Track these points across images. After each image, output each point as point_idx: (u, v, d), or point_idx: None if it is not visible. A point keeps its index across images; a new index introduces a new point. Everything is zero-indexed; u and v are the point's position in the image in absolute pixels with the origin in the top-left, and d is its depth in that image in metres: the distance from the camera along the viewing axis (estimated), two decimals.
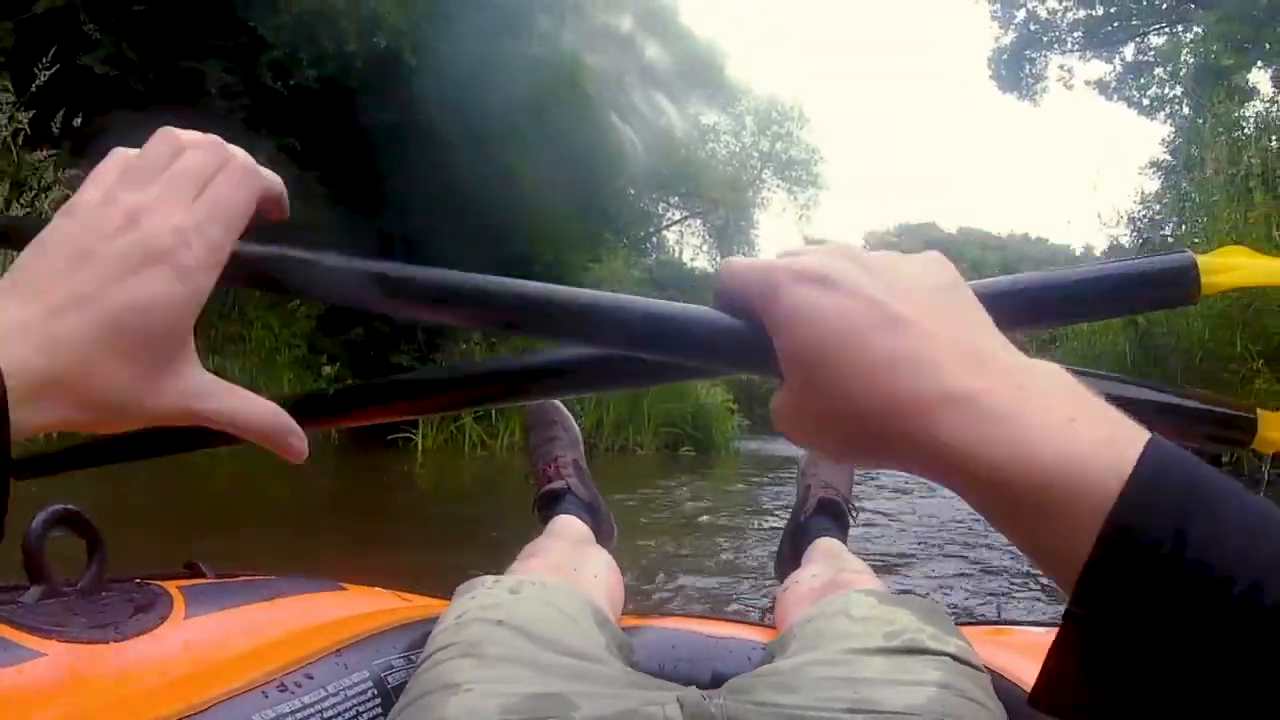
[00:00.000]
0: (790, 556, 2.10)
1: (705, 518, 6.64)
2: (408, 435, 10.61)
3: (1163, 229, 13.24)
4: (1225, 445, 0.65)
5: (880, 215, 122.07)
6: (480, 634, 1.09)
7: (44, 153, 7.45)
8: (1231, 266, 0.66)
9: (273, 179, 0.59)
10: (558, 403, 2.38)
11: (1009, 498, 0.42)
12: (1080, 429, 0.42)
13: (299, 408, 0.59)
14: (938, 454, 0.45)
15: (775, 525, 5.83)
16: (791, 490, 3.02)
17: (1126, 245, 13.94)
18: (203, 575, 1.36)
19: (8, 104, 7.26)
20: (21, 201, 7.11)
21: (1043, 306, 0.63)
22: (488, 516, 5.94)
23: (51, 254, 0.53)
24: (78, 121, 7.63)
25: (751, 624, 1.68)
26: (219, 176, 0.56)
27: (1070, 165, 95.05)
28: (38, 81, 7.42)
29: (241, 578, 1.39)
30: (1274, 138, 11.75)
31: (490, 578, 1.29)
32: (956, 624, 1.18)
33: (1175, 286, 0.66)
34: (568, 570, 1.55)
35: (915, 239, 49.82)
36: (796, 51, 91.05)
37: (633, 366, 0.64)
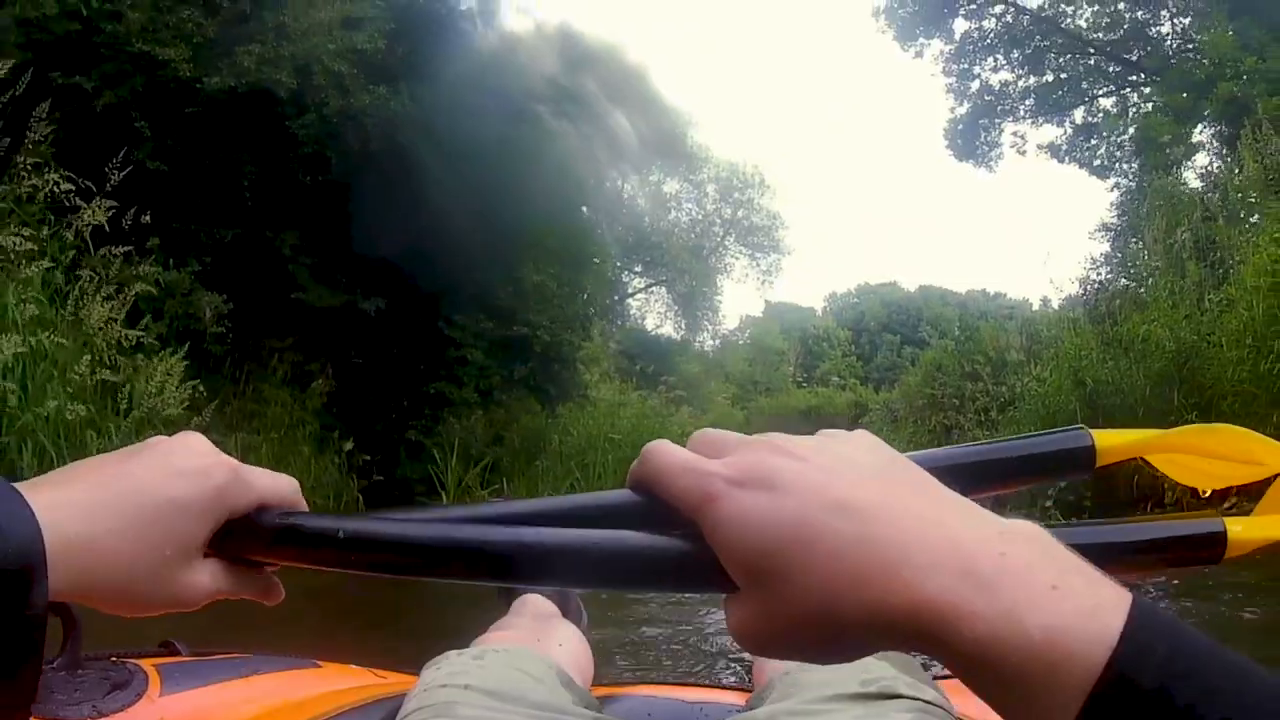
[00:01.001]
0: None
1: None
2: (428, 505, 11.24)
3: (1108, 290, 14.48)
4: (1203, 563, 0.67)
5: (840, 276, 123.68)
6: (449, 696, 1.12)
7: (119, 249, 8.32)
8: (1120, 437, 0.75)
9: (298, 503, 0.68)
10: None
11: (992, 670, 0.42)
12: (1064, 597, 0.42)
13: (295, 537, 0.64)
14: (917, 629, 0.44)
15: None
16: None
17: (1079, 294, 15.32)
18: (178, 653, 1.42)
19: (98, 203, 8.13)
20: (102, 294, 8.08)
21: (967, 475, 0.64)
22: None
23: (107, 455, 0.65)
24: (146, 218, 8.53)
25: (730, 688, 1.67)
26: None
27: (1027, 222, 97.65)
28: (112, 180, 8.27)
29: (217, 656, 1.45)
30: (1214, 198, 12.97)
31: (455, 651, 1.31)
32: (933, 678, 1.21)
33: (1075, 461, 0.74)
34: (531, 640, 1.56)
35: (876, 298, 51.06)
36: (755, 117, 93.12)
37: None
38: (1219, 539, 0.65)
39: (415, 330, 12.20)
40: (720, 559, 0.50)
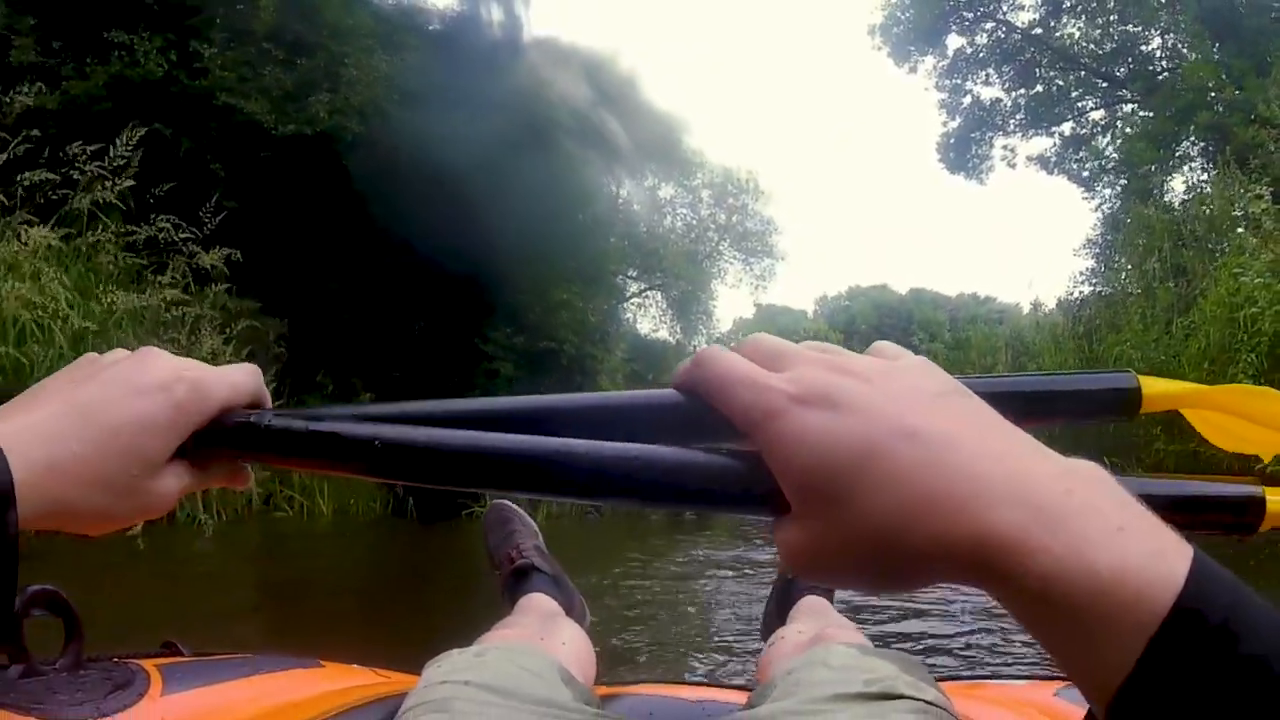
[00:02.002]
0: (776, 614, 2.12)
1: (703, 580, 6.99)
2: (474, 510, 12.21)
3: (1089, 307, 15.86)
4: (1238, 531, 0.65)
5: (832, 279, 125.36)
6: (448, 692, 1.16)
7: (218, 286, 9.54)
8: (1164, 386, 0.76)
9: (261, 392, 0.69)
10: (511, 504, 2.42)
11: (1056, 606, 0.42)
12: (1130, 539, 0.42)
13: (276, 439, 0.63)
14: (981, 560, 0.44)
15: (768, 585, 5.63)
16: None
17: (1064, 305, 16.61)
18: (180, 654, 1.49)
19: (216, 251, 9.37)
20: (212, 326, 9.38)
21: (1014, 404, 0.59)
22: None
23: (62, 376, 0.65)
24: (237, 255, 9.74)
25: (733, 687, 1.73)
26: (226, 365, 0.68)
27: (1017, 229, 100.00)
28: (209, 225, 9.53)
29: (219, 656, 1.51)
30: (1187, 225, 14.11)
31: (457, 650, 1.34)
32: (936, 679, 1.23)
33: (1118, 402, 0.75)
34: (534, 638, 1.60)
35: (867, 301, 52.33)
36: (751, 125, 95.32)
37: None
38: (1258, 508, 0.64)
39: (452, 346, 13.52)
40: (777, 478, 0.50)
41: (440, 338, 13.30)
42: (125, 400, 0.61)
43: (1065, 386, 0.75)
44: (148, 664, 1.34)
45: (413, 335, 12.88)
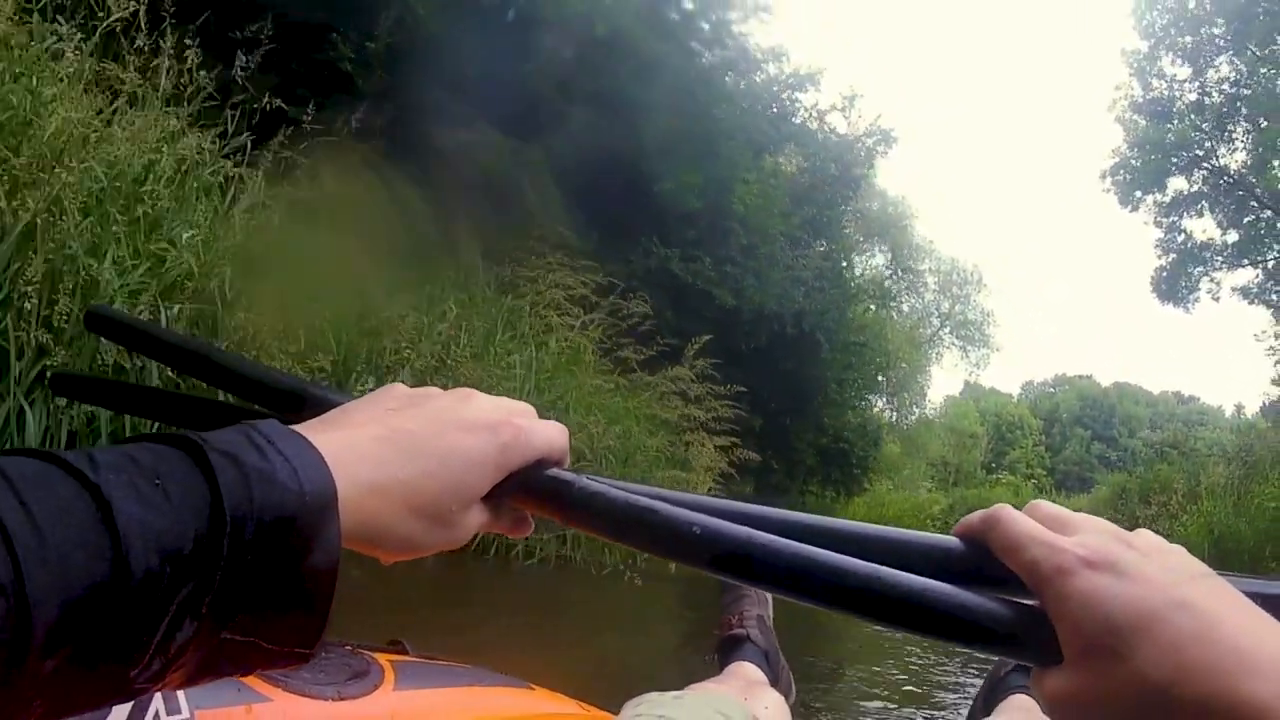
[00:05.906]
0: (982, 710, 2.20)
1: (899, 668, 6.95)
2: None
3: (1252, 457, 19.24)
4: None
5: (1038, 364, 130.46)
6: None
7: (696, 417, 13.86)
8: None
9: (565, 453, 0.74)
10: None
11: None
12: None
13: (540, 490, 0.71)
14: None
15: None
16: None
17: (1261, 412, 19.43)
18: (406, 652, 1.65)
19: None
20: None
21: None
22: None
23: (372, 403, 0.69)
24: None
25: None
26: (544, 420, 0.73)
27: (1221, 342, 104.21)
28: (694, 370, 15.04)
29: (442, 661, 1.68)
30: None
31: (657, 692, 1.45)
32: None
33: None
34: (737, 694, 1.76)
35: (1071, 390, 55.27)
36: (979, 219, 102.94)
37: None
38: None
39: (775, 439, 19.89)
40: (1058, 630, 0.58)
41: (767, 432, 19.62)
42: (453, 435, 0.66)
43: None
44: (381, 657, 1.53)
45: (754, 430, 19.25)
